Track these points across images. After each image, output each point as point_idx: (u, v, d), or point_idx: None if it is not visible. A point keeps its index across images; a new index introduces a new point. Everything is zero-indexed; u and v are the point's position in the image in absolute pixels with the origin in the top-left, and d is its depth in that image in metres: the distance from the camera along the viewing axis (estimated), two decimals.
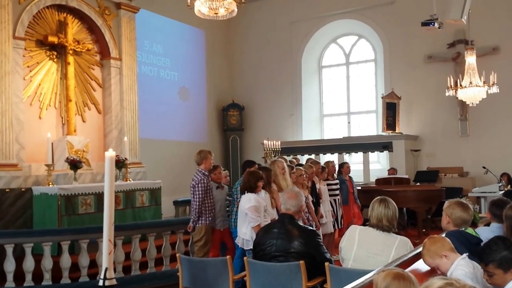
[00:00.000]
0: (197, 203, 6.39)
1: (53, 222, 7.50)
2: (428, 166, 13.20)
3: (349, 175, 9.42)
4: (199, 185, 6.40)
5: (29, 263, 6.29)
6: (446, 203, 4.07)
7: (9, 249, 6.28)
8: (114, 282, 2.83)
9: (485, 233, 4.13)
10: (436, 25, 9.07)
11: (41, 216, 7.68)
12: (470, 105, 11.06)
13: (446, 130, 13.13)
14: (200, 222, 6.43)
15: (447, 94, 10.69)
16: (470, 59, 10.33)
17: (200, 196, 6.37)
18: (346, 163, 9.78)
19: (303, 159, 12.47)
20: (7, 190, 7.56)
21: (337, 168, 9.33)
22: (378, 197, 4.15)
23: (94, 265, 6.47)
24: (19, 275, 6.29)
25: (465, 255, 3.26)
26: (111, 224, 2.84)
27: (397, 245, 3.92)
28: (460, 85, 10.39)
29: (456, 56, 12.77)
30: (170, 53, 13.76)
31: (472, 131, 12.85)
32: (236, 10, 6.38)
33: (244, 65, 15.94)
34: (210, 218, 6.46)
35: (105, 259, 2.81)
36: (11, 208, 7.57)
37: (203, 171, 6.50)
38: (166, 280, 6.47)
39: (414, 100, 13.52)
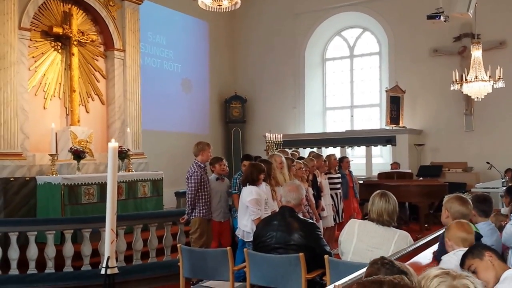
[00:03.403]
0: (190, 195, 6.38)
1: (56, 211, 7.55)
2: (431, 161, 13.20)
3: (349, 169, 9.40)
4: (193, 177, 6.37)
5: (32, 251, 6.36)
6: (446, 198, 4.09)
7: (13, 237, 6.36)
8: (115, 270, 2.90)
9: (484, 228, 4.14)
10: (442, 18, 9.04)
11: (45, 205, 7.73)
12: (476, 99, 11.04)
13: (451, 124, 13.11)
14: (194, 214, 6.43)
15: (452, 88, 10.68)
16: (476, 53, 10.31)
17: (193, 188, 6.35)
18: (346, 157, 9.78)
19: (305, 152, 12.48)
20: (11, 179, 7.61)
21: None
22: (378, 191, 4.14)
23: (96, 254, 6.55)
24: (22, 263, 6.37)
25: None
26: (113, 214, 2.89)
27: (397, 239, 3.94)
28: (466, 80, 10.38)
29: (462, 50, 12.74)
30: (173, 45, 13.79)
31: (477, 126, 12.83)
32: (239, 1, 6.43)
33: (247, 57, 15.94)
34: (204, 211, 6.43)
35: (107, 248, 2.88)
36: (15, 197, 7.63)
37: (198, 163, 6.48)
38: (167, 270, 6.50)
39: (418, 94, 13.50)
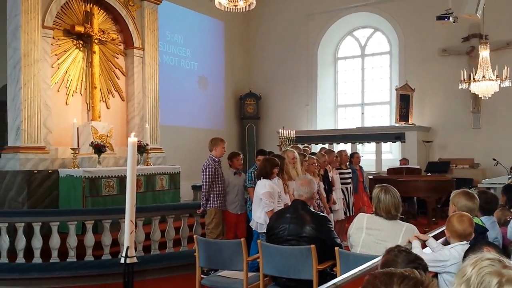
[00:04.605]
0: (205, 187, 6.65)
1: (78, 202, 7.74)
2: (439, 157, 13.31)
3: (360, 165, 9.51)
4: (207, 169, 6.65)
5: (55, 241, 6.59)
6: (453, 193, 4.17)
7: (37, 227, 6.58)
8: (134, 260, 3.04)
9: (486, 222, 4.27)
10: (451, 19, 9.14)
11: (67, 197, 7.92)
12: (483, 98, 11.13)
13: (459, 122, 13.22)
14: (208, 205, 6.70)
15: (460, 87, 10.78)
16: (484, 53, 10.38)
17: (207, 180, 6.63)
18: (356, 153, 9.86)
19: (316, 148, 12.66)
20: (35, 171, 7.82)
21: None
22: (379, 188, 4.12)
23: (116, 244, 6.76)
24: (45, 252, 6.58)
25: (467, 244, 3.40)
26: (132, 205, 3.05)
27: (404, 232, 3.96)
28: (473, 79, 10.47)
29: (470, 50, 12.82)
30: (190, 44, 14.02)
31: (484, 124, 12.95)
32: (254, 2, 6.55)
33: (262, 55, 16.11)
34: (218, 202, 6.69)
35: (127, 238, 3.02)
36: (38, 189, 7.84)
37: (213, 157, 6.75)
38: (183, 260, 6.65)
39: (427, 92, 13.62)
